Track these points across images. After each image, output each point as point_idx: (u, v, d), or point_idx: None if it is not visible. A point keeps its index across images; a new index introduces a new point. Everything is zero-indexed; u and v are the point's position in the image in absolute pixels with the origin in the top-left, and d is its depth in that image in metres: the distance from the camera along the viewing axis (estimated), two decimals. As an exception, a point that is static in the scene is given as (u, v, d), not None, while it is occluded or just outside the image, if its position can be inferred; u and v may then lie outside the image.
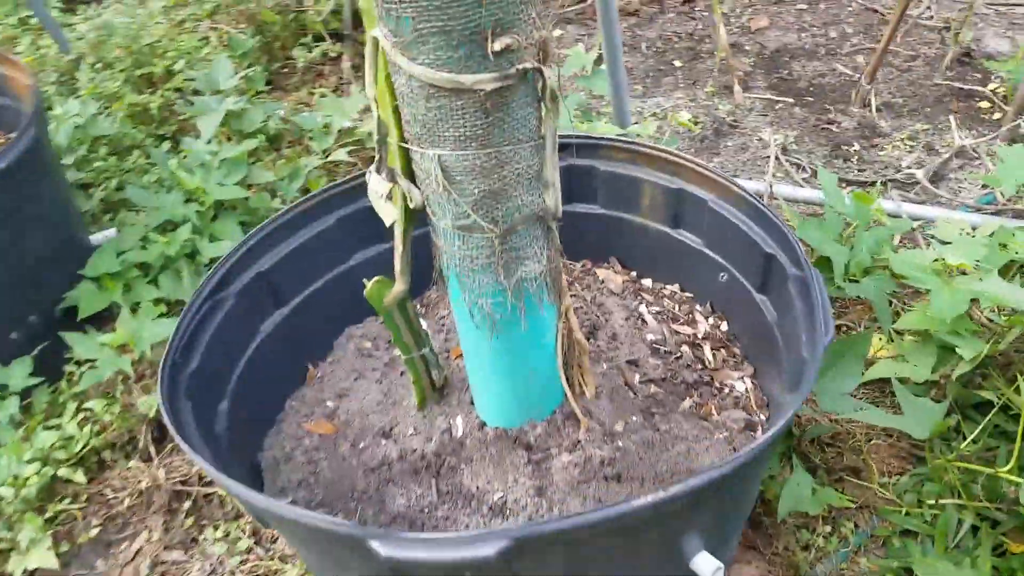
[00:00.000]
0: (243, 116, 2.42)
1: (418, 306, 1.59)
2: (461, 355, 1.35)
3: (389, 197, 0.95)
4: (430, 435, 1.22)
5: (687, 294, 1.44)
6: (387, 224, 0.96)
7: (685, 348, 1.33)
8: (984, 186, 2.04)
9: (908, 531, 1.37)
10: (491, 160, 0.86)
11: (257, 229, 1.33)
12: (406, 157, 0.95)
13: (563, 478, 1.13)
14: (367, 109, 2.55)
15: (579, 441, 1.17)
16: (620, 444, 1.17)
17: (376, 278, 1.09)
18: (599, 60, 1.98)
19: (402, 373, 1.38)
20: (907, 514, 1.40)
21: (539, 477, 1.14)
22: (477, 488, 1.14)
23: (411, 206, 0.95)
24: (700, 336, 1.34)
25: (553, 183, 0.92)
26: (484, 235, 0.93)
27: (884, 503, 1.42)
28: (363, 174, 1.40)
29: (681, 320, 1.38)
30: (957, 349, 1.36)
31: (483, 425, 1.22)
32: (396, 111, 0.91)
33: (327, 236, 1.41)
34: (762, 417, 1.21)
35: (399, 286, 1.08)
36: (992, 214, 1.88)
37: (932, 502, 1.40)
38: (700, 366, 1.30)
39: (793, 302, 1.11)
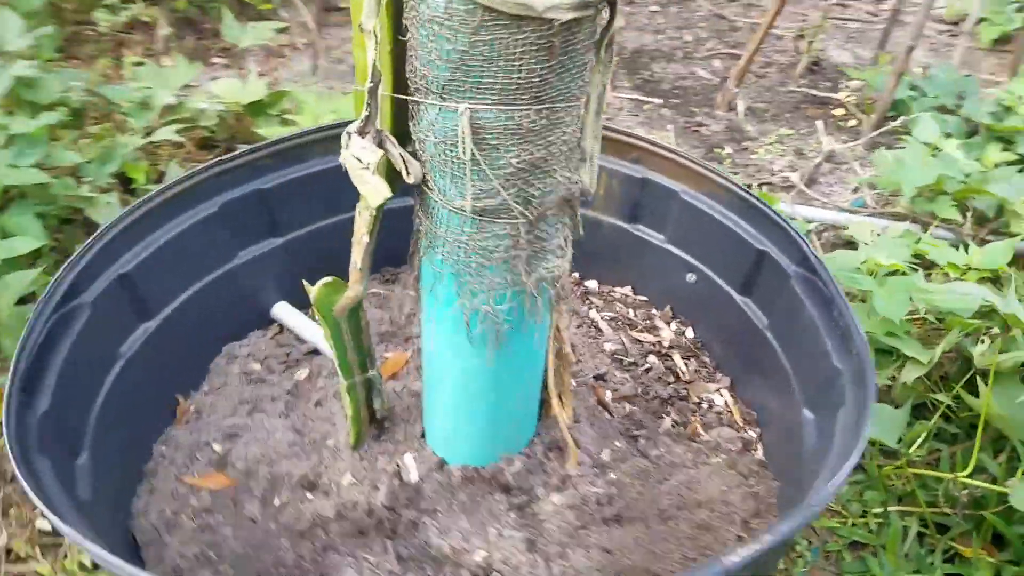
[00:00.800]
0: (37, 85, 1.92)
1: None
2: (394, 376, 1.09)
3: (370, 168, 0.68)
4: (375, 482, 0.95)
5: (641, 297, 1.29)
6: (373, 204, 0.69)
7: (652, 359, 1.17)
8: (855, 190, 2.11)
9: (857, 542, 1.31)
10: (541, 119, 0.63)
11: (117, 219, 0.97)
12: (397, 116, 0.69)
13: (557, 525, 0.92)
14: (188, 86, 2.14)
15: (568, 477, 0.97)
16: (613, 477, 0.99)
17: (326, 279, 0.81)
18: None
19: (318, 404, 1.08)
20: (853, 524, 1.35)
21: (527, 526, 0.92)
22: (451, 547, 0.89)
23: (409, 181, 0.69)
24: (666, 344, 1.19)
25: (592, 155, 0.72)
26: (510, 221, 0.69)
27: (829, 515, 1.36)
28: (250, 150, 1.09)
29: (640, 327, 1.23)
30: (906, 351, 1.32)
31: (443, 464, 0.97)
32: (393, 53, 0.65)
33: (207, 228, 1.08)
34: (752, 433, 1.08)
35: (355, 288, 0.81)
36: (870, 215, 1.93)
37: (878, 510, 1.36)
38: (672, 378, 1.15)
39: (800, 304, 0.98)
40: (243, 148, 1.09)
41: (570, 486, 0.96)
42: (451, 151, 0.65)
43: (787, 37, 2.89)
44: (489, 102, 0.61)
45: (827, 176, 2.23)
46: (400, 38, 0.64)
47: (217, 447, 1.04)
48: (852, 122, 2.42)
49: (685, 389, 1.14)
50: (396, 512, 0.93)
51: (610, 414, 1.08)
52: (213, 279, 1.12)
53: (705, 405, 1.12)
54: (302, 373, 1.15)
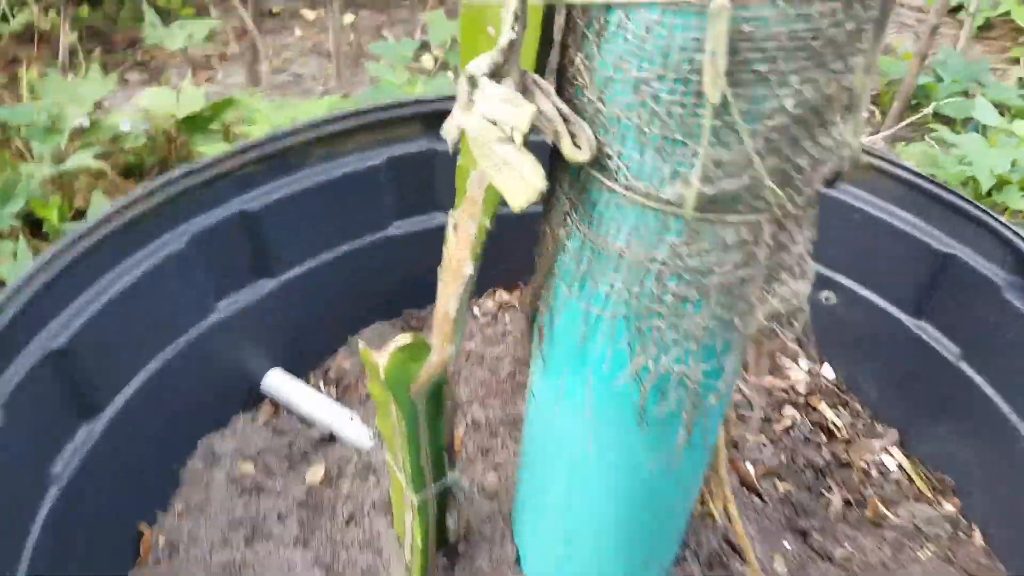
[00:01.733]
0: (-90, 105, 1.54)
1: (321, 383, 0.96)
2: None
3: (509, 139, 0.37)
4: (461, 643, 0.63)
5: (750, 330, 0.99)
6: (516, 206, 0.38)
7: (791, 411, 0.87)
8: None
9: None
10: (849, 20, 0.34)
11: (32, 272, 0.64)
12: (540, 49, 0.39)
13: None
14: (102, 106, 1.79)
15: (746, 607, 0.66)
16: (800, 597, 0.68)
17: (401, 339, 0.50)
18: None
19: (350, 521, 0.75)
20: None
21: None
22: None
23: (578, 159, 0.38)
24: (802, 390, 0.90)
25: (863, 99, 0.42)
26: (749, 217, 0.39)
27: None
28: (227, 154, 0.77)
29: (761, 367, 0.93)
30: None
31: (555, 603, 0.65)
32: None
33: (171, 272, 0.75)
34: (949, 507, 0.79)
35: (445, 351, 0.50)
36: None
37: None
38: (823, 437, 0.86)
39: (1021, 324, 0.71)
40: (216, 154, 0.77)
41: (751, 620, 0.65)
42: (667, 98, 0.35)
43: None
44: (771, -10, 0.31)
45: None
46: None
47: (204, 597, 0.70)
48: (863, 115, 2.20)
49: (844, 451, 0.84)
50: None
51: (761, 498, 0.77)
52: (182, 346, 0.78)
53: (875, 472, 0.83)
54: (316, 472, 0.82)
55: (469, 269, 0.47)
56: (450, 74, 1.78)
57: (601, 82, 0.37)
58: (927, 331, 0.81)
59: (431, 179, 0.92)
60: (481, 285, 1.04)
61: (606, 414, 0.50)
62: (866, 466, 0.83)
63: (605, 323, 0.45)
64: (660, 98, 0.35)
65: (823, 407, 0.87)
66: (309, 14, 2.46)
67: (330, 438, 0.87)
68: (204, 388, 0.82)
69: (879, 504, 0.78)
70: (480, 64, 0.37)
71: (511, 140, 0.37)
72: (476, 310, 1.04)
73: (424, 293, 1.02)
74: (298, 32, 2.36)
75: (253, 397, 0.90)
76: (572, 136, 0.38)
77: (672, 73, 0.34)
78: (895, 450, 0.84)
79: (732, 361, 0.46)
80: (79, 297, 0.68)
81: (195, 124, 1.51)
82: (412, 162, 0.89)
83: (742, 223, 0.39)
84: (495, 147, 0.38)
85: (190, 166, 0.75)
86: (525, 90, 0.37)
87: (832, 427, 0.86)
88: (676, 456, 0.51)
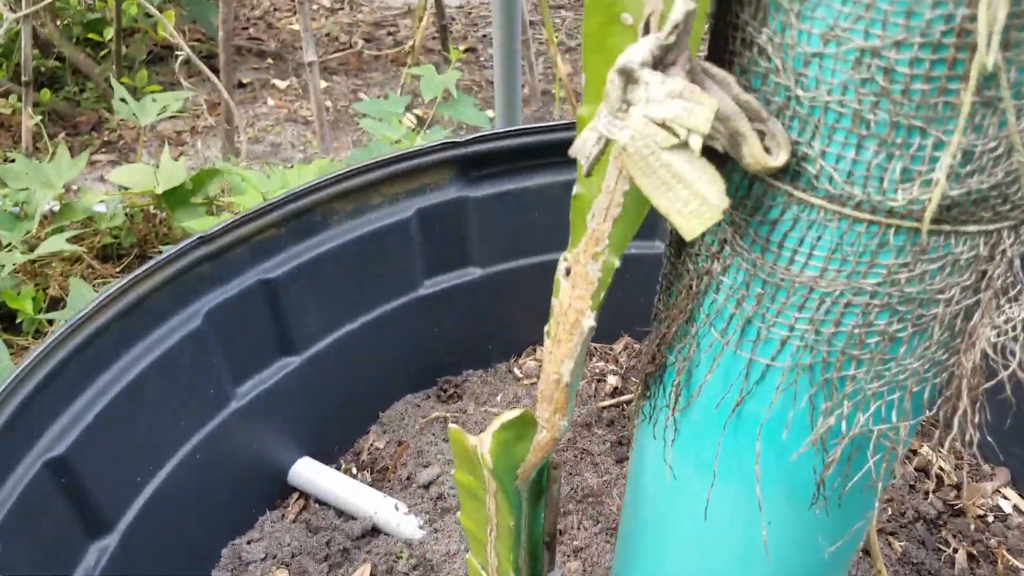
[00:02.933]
0: None
1: (353, 468, 0.84)
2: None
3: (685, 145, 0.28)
4: None
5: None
6: (690, 233, 0.29)
7: (890, 457, 0.77)
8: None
9: None
10: None
11: (18, 374, 0.53)
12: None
13: None
14: (69, 186, 1.70)
15: None
16: None
17: (506, 417, 0.40)
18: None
19: (415, 628, 0.63)
20: None
21: None
22: None
23: (774, 164, 0.30)
24: (897, 433, 0.80)
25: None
26: (989, 227, 0.31)
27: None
28: (246, 217, 0.68)
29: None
30: None
31: None
32: None
33: (184, 358, 0.64)
34: (1087, 552, 0.69)
35: (556, 426, 0.40)
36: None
37: None
38: (930, 483, 0.76)
39: None
40: (230, 219, 0.67)
41: None
42: (906, 71, 0.26)
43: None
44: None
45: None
46: None
47: None
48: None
49: (955, 498, 0.74)
50: None
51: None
52: (199, 441, 0.67)
53: (991, 517, 0.73)
54: (362, 573, 0.70)
55: (590, 321, 0.38)
56: (444, 130, 1.71)
57: (800, 61, 0.28)
58: (1037, 354, 0.73)
59: (463, 230, 0.83)
60: (518, 343, 0.95)
61: (773, 493, 0.40)
62: (982, 513, 0.73)
63: (779, 377, 0.36)
64: (895, 73, 0.26)
65: (924, 450, 0.78)
66: (280, 83, 2.40)
67: (372, 531, 0.75)
68: (226, 487, 0.71)
69: (1007, 555, 0.68)
70: (638, 52, 0.28)
71: (685, 146, 0.28)
72: (517, 371, 0.93)
73: (458, 357, 0.92)
74: (271, 102, 2.29)
75: (278, 489, 0.79)
76: (761, 136, 0.29)
77: (919, 38, 0.26)
78: (1009, 491, 0.75)
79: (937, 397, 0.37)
80: (79, 397, 0.57)
81: (176, 199, 1.41)
82: (443, 213, 0.80)
83: (980, 233, 0.30)
84: (662, 158, 0.29)
85: (203, 235, 0.65)
86: (702, 82, 0.29)
87: (939, 473, 0.76)
88: (855, 533, 0.41)
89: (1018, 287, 0.36)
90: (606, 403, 0.87)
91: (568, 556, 0.68)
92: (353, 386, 0.82)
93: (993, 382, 0.36)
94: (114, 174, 1.43)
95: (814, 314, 0.33)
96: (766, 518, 0.41)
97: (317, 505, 0.78)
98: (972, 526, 0.72)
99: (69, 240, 1.34)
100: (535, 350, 0.98)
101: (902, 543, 0.70)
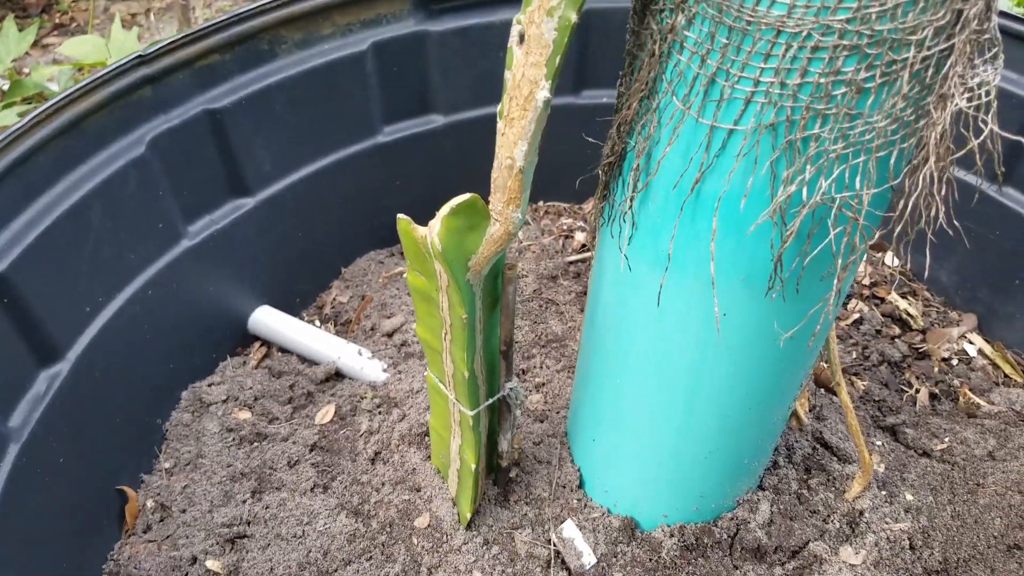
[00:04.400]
0: None
1: (316, 321, 0.83)
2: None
3: None
4: (533, 586, 0.53)
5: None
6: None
7: (859, 305, 0.78)
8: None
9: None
10: None
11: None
12: None
13: (876, 605, 0.52)
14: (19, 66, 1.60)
15: (858, 514, 0.56)
16: (909, 498, 0.59)
17: (456, 201, 0.38)
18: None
19: (376, 459, 0.63)
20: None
21: (828, 618, 0.51)
22: None
23: None
24: (866, 281, 0.81)
25: None
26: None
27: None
28: (187, 37, 0.63)
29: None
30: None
31: (634, 528, 0.55)
32: None
33: (132, 183, 0.61)
34: (1040, 389, 0.71)
35: (511, 217, 0.39)
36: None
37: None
38: (897, 329, 0.77)
39: None
40: (171, 37, 0.62)
41: (865, 528, 0.56)
42: None
43: None
44: None
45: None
46: None
47: (214, 564, 0.58)
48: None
49: (921, 342, 0.75)
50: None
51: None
52: (151, 277, 0.65)
53: (956, 361, 0.74)
54: (326, 413, 0.70)
55: (545, 93, 0.35)
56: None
57: None
58: (1014, 198, 0.72)
59: (424, 71, 0.79)
60: (486, 198, 0.92)
61: (729, 279, 0.39)
62: (946, 356, 0.74)
63: (740, 143, 0.34)
64: None
65: (892, 297, 0.78)
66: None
67: (336, 375, 0.75)
68: (182, 329, 0.69)
69: (969, 393, 0.70)
70: None
71: None
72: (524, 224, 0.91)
73: (422, 212, 0.89)
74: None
75: (242, 339, 0.78)
76: None
77: None
78: (975, 336, 0.76)
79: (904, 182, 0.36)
80: (18, 217, 0.55)
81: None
82: (401, 48, 0.76)
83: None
84: None
85: (141, 53, 0.61)
86: None
87: (905, 316, 0.77)
88: (820, 322, 0.40)
89: (995, 48, 0.34)
90: (573, 258, 0.86)
91: (531, 391, 0.68)
92: (313, 237, 0.80)
93: (963, 152, 0.35)
94: (64, 46, 1.35)
95: (780, 63, 0.31)
96: (723, 308, 0.40)
97: (280, 353, 0.77)
98: (936, 368, 0.73)
99: (20, 115, 1.27)
100: (502, 208, 0.96)
101: (865, 383, 0.71)
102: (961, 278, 0.78)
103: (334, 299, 0.84)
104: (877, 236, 0.38)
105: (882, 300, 0.78)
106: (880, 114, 0.32)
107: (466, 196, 0.38)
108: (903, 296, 0.79)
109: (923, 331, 0.76)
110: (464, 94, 0.81)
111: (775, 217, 0.35)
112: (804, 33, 0.30)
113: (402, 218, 0.40)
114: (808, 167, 0.34)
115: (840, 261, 0.37)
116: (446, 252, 0.38)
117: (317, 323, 0.82)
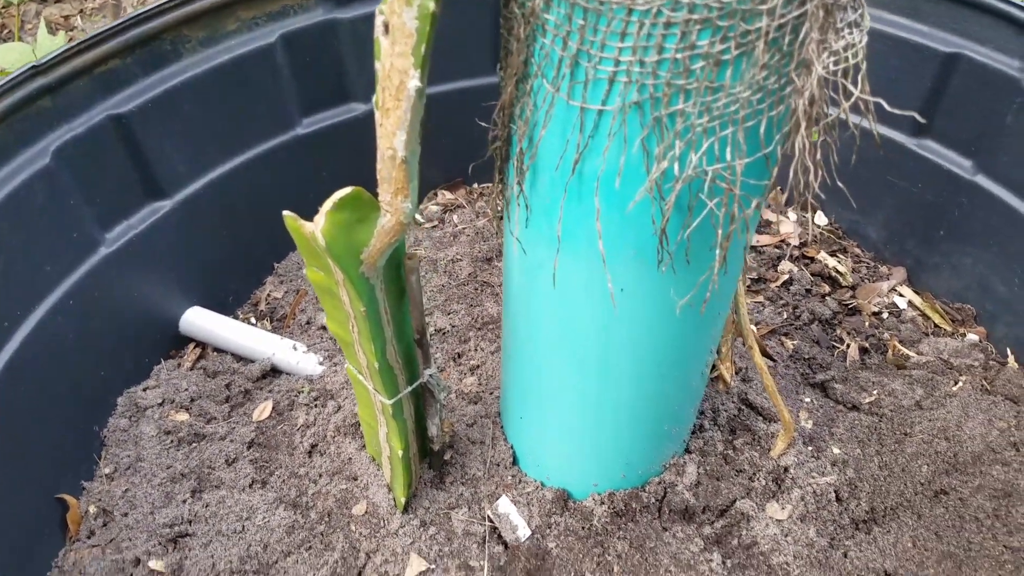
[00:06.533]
0: None
1: (252, 318, 0.82)
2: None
3: None
4: (463, 559, 0.53)
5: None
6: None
7: (788, 266, 0.79)
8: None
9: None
10: None
11: None
12: None
13: (792, 554, 0.54)
14: None
15: (783, 470, 0.58)
16: (836, 452, 0.61)
17: (340, 194, 0.38)
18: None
19: (313, 451, 0.64)
20: None
21: (744, 568, 0.53)
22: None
23: None
24: (795, 241, 0.82)
25: None
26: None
27: None
28: (84, 44, 0.62)
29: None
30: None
31: (566, 499, 0.56)
32: None
33: (39, 195, 0.60)
34: (973, 336, 0.73)
35: (399, 207, 0.39)
36: None
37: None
38: (827, 287, 0.78)
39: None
40: (63, 45, 0.61)
41: (791, 484, 0.57)
42: None
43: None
44: None
45: None
46: None
47: (157, 564, 0.58)
48: None
49: (851, 298, 0.77)
50: (525, 610, 0.51)
51: (770, 358, 0.70)
52: (71, 287, 0.64)
53: (886, 314, 0.76)
54: (263, 409, 0.70)
55: (415, 82, 0.35)
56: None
57: None
58: (933, 150, 0.73)
59: (338, 59, 0.78)
60: (420, 189, 0.92)
61: (621, 255, 0.39)
62: (876, 310, 0.76)
63: (610, 122, 0.34)
64: None
65: (822, 256, 0.80)
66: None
67: (272, 372, 0.74)
68: (111, 336, 0.69)
69: (899, 345, 0.71)
70: None
71: None
72: (419, 216, 0.91)
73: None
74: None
75: (174, 341, 0.77)
76: None
77: None
78: (905, 289, 0.78)
79: (777, 150, 0.36)
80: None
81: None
82: (311, 38, 0.74)
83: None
84: None
85: (35, 64, 0.59)
86: None
87: (835, 274, 0.78)
88: (709, 290, 0.41)
89: (860, 9, 0.35)
90: (509, 236, 0.87)
91: (465, 373, 0.69)
92: (240, 234, 0.79)
93: (834, 115, 0.36)
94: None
95: (636, 41, 0.31)
96: (619, 284, 0.41)
97: (214, 353, 0.77)
98: (866, 323, 0.75)
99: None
100: (436, 194, 0.95)
101: (795, 342, 0.72)
102: (889, 232, 0.80)
103: (268, 295, 0.84)
104: (757, 205, 0.38)
105: (811, 260, 0.80)
106: (742, 85, 0.33)
107: (349, 189, 0.38)
108: (832, 254, 0.80)
109: (853, 287, 0.78)
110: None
111: (652, 193, 0.36)
112: (655, 10, 0.30)
113: (288, 215, 0.40)
114: (677, 142, 0.34)
115: (721, 232, 0.37)
116: (332, 247, 0.38)
117: (253, 320, 0.82)
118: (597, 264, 0.40)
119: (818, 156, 0.36)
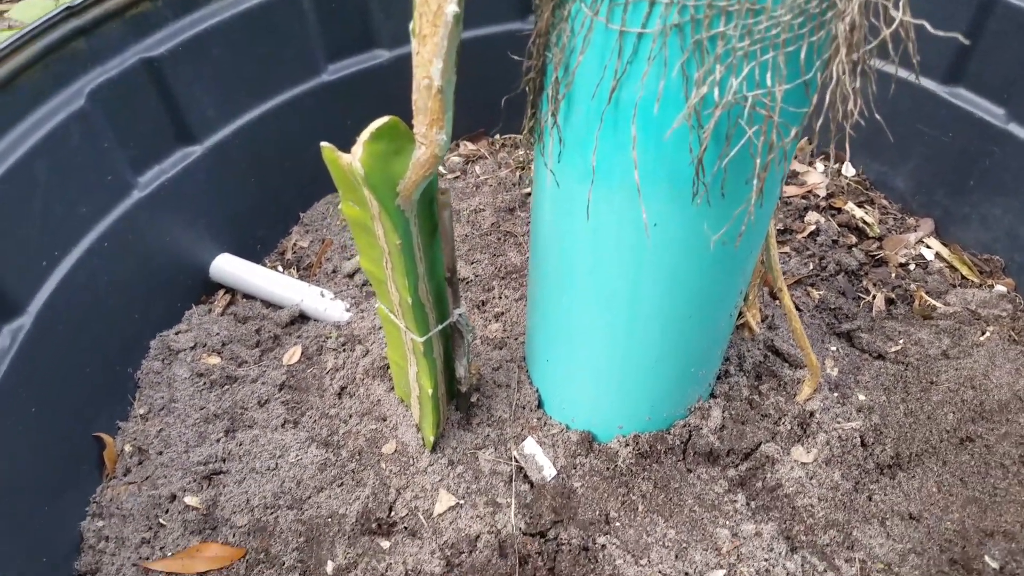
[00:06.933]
0: None
1: (279, 266, 0.83)
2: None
3: None
4: (491, 497, 0.54)
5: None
6: None
7: (815, 216, 0.79)
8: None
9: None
10: None
11: None
12: None
13: (816, 497, 0.54)
14: None
15: (809, 415, 0.58)
16: (862, 399, 0.61)
17: (376, 124, 0.38)
18: None
19: (343, 393, 0.65)
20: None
21: (768, 510, 0.54)
22: (674, 584, 0.50)
23: None
24: (821, 193, 0.81)
25: None
26: None
27: None
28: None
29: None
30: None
31: (591, 440, 0.57)
32: None
33: (75, 137, 0.61)
34: (1000, 288, 0.72)
35: (435, 139, 0.39)
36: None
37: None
38: (854, 238, 0.78)
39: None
40: (103, -11, 0.61)
41: (816, 428, 0.58)
42: None
43: None
44: None
45: None
46: None
47: (192, 500, 0.59)
48: None
49: (877, 249, 0.76)
50: (544, 538, 0.52)
51: (796, 308, 0.70)
52: (105, 230, 0.65)
53: (913, 266, 0.75)
54: (293, 353, 0.71)
55: (453, 7, 0.35)
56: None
57: None
58: (965, 98, 0.72)
59: (364, 7, 0.77)
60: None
61: (655, 187, 0.39)
62: (903, 261, 0.75)
63: (650, 46, 0.34)
64: None
65: (849, 207, 0.79)
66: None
67: (301, 318, 0.75)
68: (144, 279, 0.70)
69: (925, 296, 0.71)
70: None
71: None
72: (441, 168, 0.91)
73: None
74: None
75: (205, 287, 0.78)
76: None
77: None
78: (932, 240, 0.77)
79: (817, 77, 0.36)
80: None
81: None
82: (340, -18, 0.74)
83: None
84: None
85: (69, 5, 0.59)
86: None
87: (862, 225, 0.77)
88: (744, 223, 0.41)
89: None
90: (529, 189, 0.87)
91: (490, 320, 0.69)
92: (267, 182, 0.80)
93: (876, 43, 0.35)
94: (14, 10, 1.31)
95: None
96: (652, 218, 0.41)
97: (244, 299, 0.78)
98: (893, 274, 0.75)
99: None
100: (458, 145, 0.95)
101: (821, 292, 0.72)
102: (917, 183, 0.79)
103: (295, 244, 0.84)
104: (796, 134, 0.38)
105: (839, 211, 0.79)
106: (783, 8, 0.32)
107: (386, 119, 0.38)
108: (860, 205, 0.79)
109: (880, 238, 0.77)
110: (408, 26, 0.80)
111: (690, 120, 0.36)
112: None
113: (326, 146, 0.40)
114: (718, 66, 0.34)
115: (759, 161, 0.37)
116: (370, 177, 0.39)
117: (280, 268, 0.83)
118: (631, 197, 0.40)
119: (858, 83, 0.36)
